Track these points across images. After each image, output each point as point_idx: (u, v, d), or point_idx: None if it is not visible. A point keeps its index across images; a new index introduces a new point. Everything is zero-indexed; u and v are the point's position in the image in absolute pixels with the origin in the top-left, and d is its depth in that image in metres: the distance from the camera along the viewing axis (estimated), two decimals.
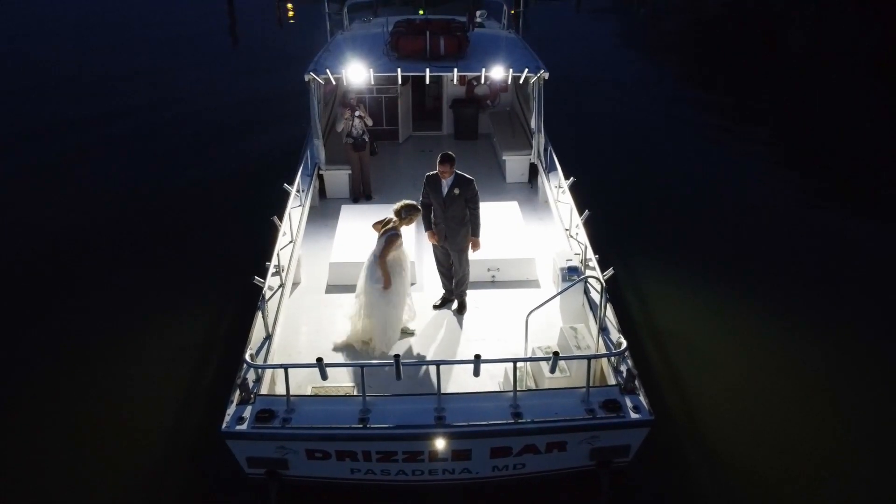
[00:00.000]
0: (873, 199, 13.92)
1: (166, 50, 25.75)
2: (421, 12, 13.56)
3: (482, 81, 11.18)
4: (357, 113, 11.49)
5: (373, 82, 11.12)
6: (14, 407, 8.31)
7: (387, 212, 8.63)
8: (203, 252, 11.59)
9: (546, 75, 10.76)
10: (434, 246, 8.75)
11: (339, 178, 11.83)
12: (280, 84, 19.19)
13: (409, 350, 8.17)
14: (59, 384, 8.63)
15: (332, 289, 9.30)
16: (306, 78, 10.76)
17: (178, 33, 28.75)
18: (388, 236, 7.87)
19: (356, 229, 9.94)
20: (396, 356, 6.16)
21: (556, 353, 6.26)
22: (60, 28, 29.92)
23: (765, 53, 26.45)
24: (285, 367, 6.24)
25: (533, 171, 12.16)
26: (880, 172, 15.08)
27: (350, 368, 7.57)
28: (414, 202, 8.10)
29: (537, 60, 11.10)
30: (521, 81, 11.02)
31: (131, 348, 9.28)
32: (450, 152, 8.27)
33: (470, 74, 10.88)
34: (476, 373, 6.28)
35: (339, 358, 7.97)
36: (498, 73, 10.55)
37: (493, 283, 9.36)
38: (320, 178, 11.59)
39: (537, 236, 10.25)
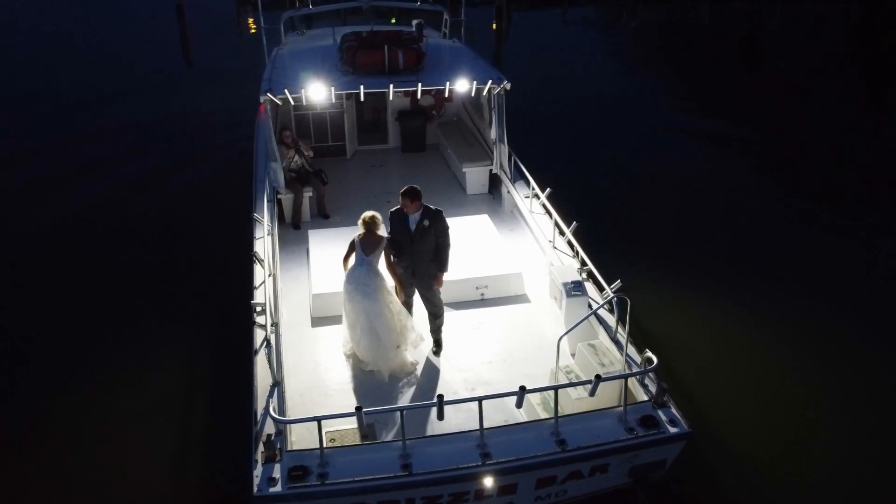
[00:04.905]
0: (863, 199, 14.34)
1: (116, 72, 23.83)
2: (392, 21, 13.16)
3: (445, 94, 10.95)
4: (298, 147, 11.25)
5: (334, 100, 10.67)
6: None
7: (351, 232, 8.35)
8: (175, 292, 10.74)
9: (508, 86, 10.67)
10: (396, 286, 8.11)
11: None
12: (230, 102, 18.23)
13: (416, 379, 7.86)
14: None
15: (318, 322, 8.82)
16: (262, 99, 10.17)
17: (129, 54, 26.54)
18: (384, 241, 7.75)
19: (329, 256, 9.50)
20: (440, 396, 5.88)
21: (598, 376, 6.18)
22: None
23: (755, 65, 26.43)
24: (318, 420, 5.81)
25: (493, 182, 12.06)
26: (868, 179, 15.39)
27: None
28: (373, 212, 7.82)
29: (497, 71, 11.00)
30: (484, 93, 10.88)
31: (114, 406, 8.45)
32: (415, 186, 7.73)
33: (435, 88, 10.62)
34: (519, 404, 6.11)
35: (348, 395, 7.57)
36: (463, 85, 10.36)
37: (482, 302, 9.17)
38: (278, 202, 11.01)
39: (512, 249, 10.13)
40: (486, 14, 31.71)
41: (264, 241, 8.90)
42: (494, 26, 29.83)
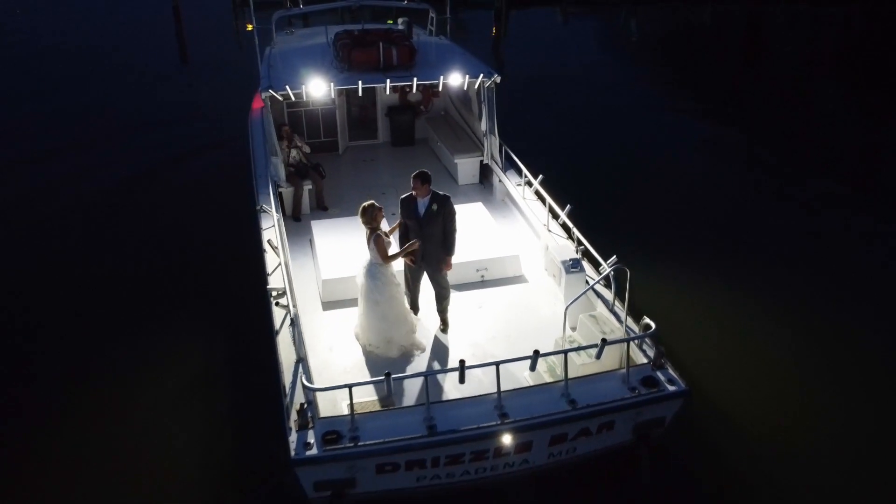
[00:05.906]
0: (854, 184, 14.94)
1: (113, 73, 23.71)
2: (389, 22, 13.57)
3: (439, 88, 11.44)
4: (295, 142, 11.73)
5: (332, 95, 11.06)
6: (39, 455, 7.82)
7: (353, 223, 8.81)
8: (186, 286, 11.01)
9: (498, 79, 11.18)
10: (406, 266, 8.60)
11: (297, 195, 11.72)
12: (227, 102, 18.46)
13: (429, 355, 8.34)
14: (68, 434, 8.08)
15: (328, 305, 9.26)
16: (264, 95, 10.54)
17: (127, 54, 26.37)
18: (375, 238, 8.06)
19: (334, 243, 9.95)
20: (461, 361, 6.37)
21: (603, 340, 6.73)
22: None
23: (755, 63, 26.60)
24: (349, 387, 6.28)
25: (483, 172, 12.58)
26: (868, 177, 15.85)
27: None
28: (370, 202, 8.09)
29: (487, 66, 11.51)
30: (476, 86, 11.38)
31: (132, 399, 8.74)
32: (426, 170, 8.18)
33: (430, 83, 11.09)
34: (533, 367, 6.63)
35: (364, 373, 8.02)
36: (456, 79, 10.85)
37: (483, 283, 9.68)
38: (279, 195, 11.38)
39: (507, 233, 10.64)
40: (483, 15, 31.81)
41: (275, 230, 9.29)
42: (494, 30, 29.90)
